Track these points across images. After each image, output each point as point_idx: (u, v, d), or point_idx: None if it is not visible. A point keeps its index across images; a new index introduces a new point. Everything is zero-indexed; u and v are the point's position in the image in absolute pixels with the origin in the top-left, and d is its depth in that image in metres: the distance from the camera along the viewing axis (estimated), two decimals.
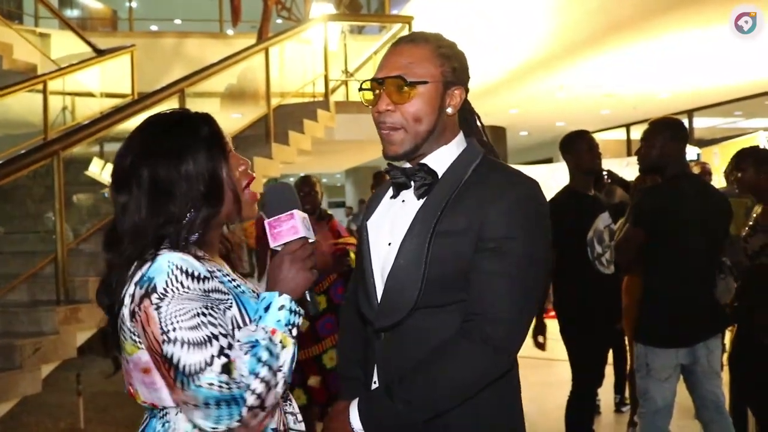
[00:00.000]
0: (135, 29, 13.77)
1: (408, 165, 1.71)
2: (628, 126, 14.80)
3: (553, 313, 4.08)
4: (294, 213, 1.52)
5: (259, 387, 1.36)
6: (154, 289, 1.37)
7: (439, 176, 1.65)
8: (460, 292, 1.57)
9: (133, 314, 1.41)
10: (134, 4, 15.18)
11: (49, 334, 4.26)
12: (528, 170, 11.45)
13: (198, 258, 1.45)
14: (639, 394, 3.36)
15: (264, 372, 1.38)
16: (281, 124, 7.05)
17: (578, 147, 3.87)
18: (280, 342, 1.43)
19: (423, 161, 1.67)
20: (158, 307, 1.36)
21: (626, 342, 5.17)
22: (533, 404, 5.53)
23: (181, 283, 1.38)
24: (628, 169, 11.08)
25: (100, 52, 7.91)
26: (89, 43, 8.21)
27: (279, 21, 11.66)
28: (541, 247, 1.61)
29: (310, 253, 1.54)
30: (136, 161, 1.49)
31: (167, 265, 1.39)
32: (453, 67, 1.66)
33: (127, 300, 1.43)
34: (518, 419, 1.71)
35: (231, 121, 7.85)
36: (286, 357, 1.43)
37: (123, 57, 7.88)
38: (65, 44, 9.42)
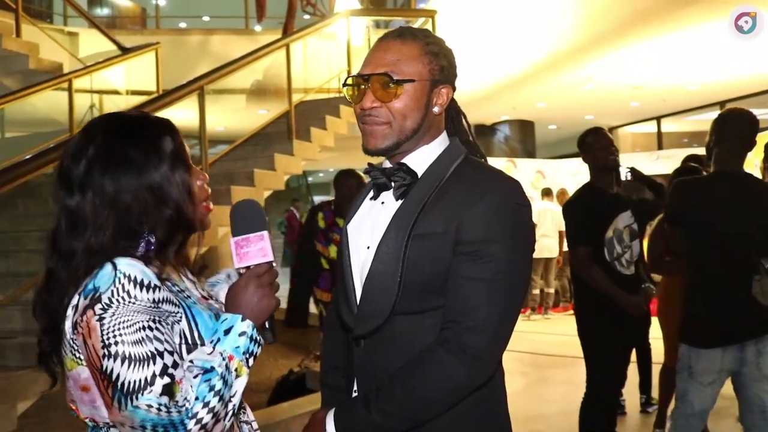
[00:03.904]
0: (164, 26, 13.91)
1: (388, 164, 1.66)
2: (658, 119, 14.54)
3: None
4: (264, 234, 1.46)
5: (206, 417, 1.29)
6: (99, 299, 1.29)
7: (419, 176, 1.60)
8: (439, 297, 1.51)
9: (75, 326, 1.32)
10: (162, 2, 15.31)
11: None
12: (558, 164, 11.38)
13: (148, 262, 1.37)
14: (677, 395, 3.25)
15: (214, 402, 1.30)
16: (303, 120, 7.02)
17: (591, 144, 3.79)
18: (235, 370, 1.36)
19: (403, 161, 1.62)
20: (101, 318, 1.27)
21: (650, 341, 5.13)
22: (556, 404, 5.47)
23: (128, 293, 1.30)
24: (659, 163, 10.99)
25: (125, 50, 7.96)
26: (114, 41, 8.28)
27: (306, 17, 11.67)
28: (522, 251, 1.54)
29: (275, 278, 1.48)
30: (94, 168, 1.38)
31: (114, 272, 1.31)
32: (441, 66, 1.61)
33: (69, 311, 1.34)
34: (503, 427, 1.65)
35: (257, 117, 7.86)
36: (239, 387, 1.36)
37: (148, 54, 7.92)
38: (93, 42, 9.52)
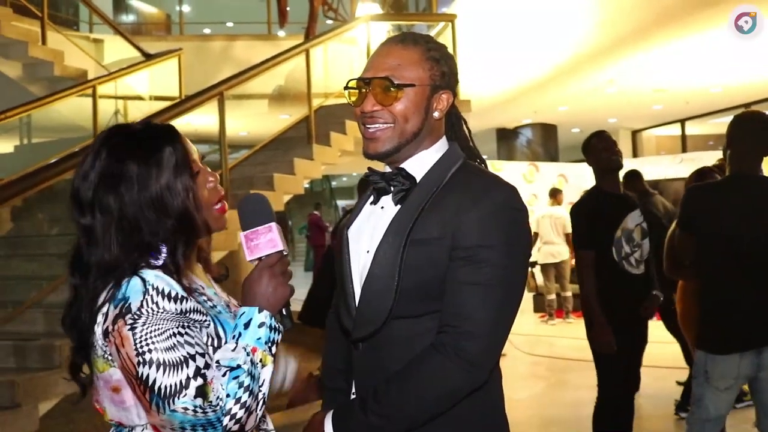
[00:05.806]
0: (188, 33, 14.01)
1: (388, 169, 1.68)
2: (682, 121, 14.42)
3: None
4: (272, 225, 1.49)
5: (239, 413, 1.35)
6: (129, 309, 1.34)
7: (417, 181, 1.62)
8: (437, 301, 1.53)
9: (106, 333, 1.38)
10: (186, 9, 15.45)
11: None
12: (581, 168, 11.26)
13: (172, 274, 1.42)
14: (692, 400, 3.22)
15: (245, 397, 1.36)
16: (323, 125, 7.05)
17: (594, 146, 3.85)
18: (260, 361, 1.40)
19: (402, 165, 1.64)
20: (133, 328, 1.33)
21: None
22: (574, 408, 5.44)
23: (156, 304, 1.35)
24: (682, 166, 10.87)
25: (148, 57, 8.06)
26: (138, 48, 8.38)
27: (329, 22, 11.72)
28: (518, 256, 1.55)
29: (287, 266, 1.52)
30: (99, 187, 1.43)
31: (143, 285, 1.36)
32: (442, 71, 1.63)
33: (99, 318, 1.39)
34: (500, 429, 1.66)
35: (279, 122, 7.92)
36: (266, 376, 1.41)
37: (171, 61, 8.01)
38: (118, 49, 9.62)
